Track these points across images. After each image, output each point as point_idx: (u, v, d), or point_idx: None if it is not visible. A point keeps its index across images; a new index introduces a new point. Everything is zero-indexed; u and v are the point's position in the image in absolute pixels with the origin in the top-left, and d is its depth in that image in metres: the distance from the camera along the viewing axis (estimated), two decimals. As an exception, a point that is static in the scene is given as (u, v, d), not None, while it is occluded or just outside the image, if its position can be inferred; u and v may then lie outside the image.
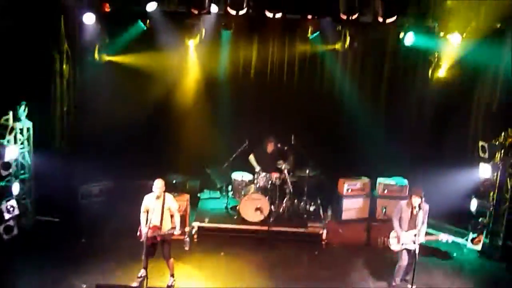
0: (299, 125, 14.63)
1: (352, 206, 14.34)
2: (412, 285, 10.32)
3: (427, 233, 10.80)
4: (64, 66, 14.36)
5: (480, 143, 12.94)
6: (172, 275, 10.81)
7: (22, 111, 12.83)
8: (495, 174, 12.71)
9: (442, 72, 14.40)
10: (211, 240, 12.83)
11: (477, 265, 12.58)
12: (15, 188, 12.64)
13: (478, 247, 12.97)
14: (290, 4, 12.34)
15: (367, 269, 11.90)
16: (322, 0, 12.06)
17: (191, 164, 15.15)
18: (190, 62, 15.12)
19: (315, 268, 12.00)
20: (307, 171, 14.02)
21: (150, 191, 10.53)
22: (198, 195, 15.01)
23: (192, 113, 15.11)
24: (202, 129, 14.96)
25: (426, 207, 10.56)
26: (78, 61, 14.40)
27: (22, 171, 13.10)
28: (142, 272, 10.46)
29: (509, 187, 12.60)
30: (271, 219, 13.15)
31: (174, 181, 14.33)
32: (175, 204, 10.68)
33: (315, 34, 14.28)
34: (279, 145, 13.84)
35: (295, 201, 14.10)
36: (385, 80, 15.15)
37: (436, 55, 14.40)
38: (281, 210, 13.76)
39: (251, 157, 14.11)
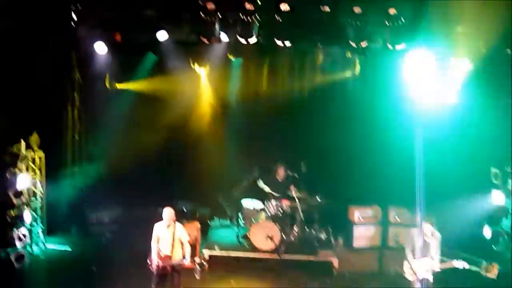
0: (309, 152, 14.60)
1: (363, 234, 14.25)
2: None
3: (441, 261, 10.69)
4: (76, 95, 14.52)
5: (493, 170, 12.84)
6: (183, 305, 10.73)
7: (34, 139, 12.92)
8: (508, 200, 12.60)
9: (451, 98, 14.34)
10: (222, 268, 12.75)
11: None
12: (27, 216, 12.68)
13: (493, 275, 12.78)
14: (299, 32, 12.42)
15: (379, 298, 11.80)
16: (331, 28, 12.12)
17: (201, 191, 15.13)
18: (200, 89, 15.23)
19: (327, 297, 11.91)
20: (318, 199, 13.97)
21: (161, 218, 10.51)
22: (209, 222, 14.97)
23: (202, 140, 15.17)
24: (212, 156, 14.97)
25: (438, 234, 10.47)
26: (89, 89, 14.54)
27: (33, 199, 13.14)
28: (152, 302, 10.40)
29: (522, 213, 12.49)
30: (282, 247, 13.07)
31: (184, 209, 14.30)
32: (185, 234, 10.62)
33: (325, 61, 14.33)
34: (289, 172, 13.82)
35: (306, 228, 14.01)
36: (396, 105, 15.08)
37: (445, 81, 14.36)
38: (292, 238, 13.68)
39: (260, 182, 14.08)
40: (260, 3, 11.87)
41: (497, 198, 12.70)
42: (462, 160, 14.34)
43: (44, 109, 13.55)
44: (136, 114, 14.83)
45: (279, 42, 12.57)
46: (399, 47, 12.51)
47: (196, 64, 14.35)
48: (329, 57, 14.24)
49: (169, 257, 10.31)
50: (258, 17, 11.79)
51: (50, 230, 13.67)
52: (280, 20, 11.92)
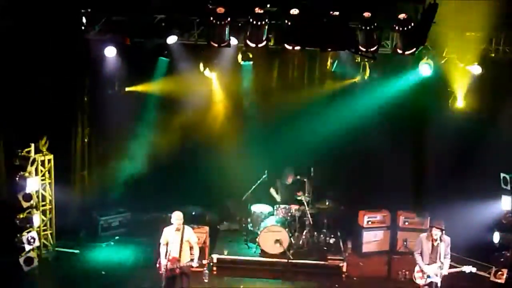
0: (318, 157, 14.58)
1: (372, 239, 14.18)
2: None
3: (450, 266, 10.66)
4: (85, 98, 14.56)
5: (502, 175, 12.79)
6: (192, 308, 10.74)
7: (44, 143, 12.97)
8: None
9: (462, 103, 14.30)
10: (231, 273, 12.77)
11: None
12: (36, 219, 12.70)
13: (502, 281, 12.73)
14: (309, 37, 12.39)
15: (388, 302, 11.77)
16: (340, 33, 12.09)
17: (210, 196, 15.15)
18: (210, 93, 15.21)
19: (336, 301, 11.89)
20: (327, 203, 13.96)
21: (170, 223, 10.53)
22: (218, 227, 14.97)
23: (211, 144, 15.15)
24: (221, 161, 14.98)
25: (447, 239, 10.45)
26: (99, 93, 14.57)
27: (43, 203, 13.18)
28: (161, 305, 10.41)
29: (532, 219, 12.41)
30: (291, 252, 13.05)
31: (193, 213, 14.30)
32: (194, 236, 10.66)
33: (334, 66, 14.33)
34: (298, 177, 13.82)
35: (315, 233, 13.99)
36: (406, 111, 15.06)
37: (456, 86, 14.32)
38: (300, 242, 13.66)
39: (272, 190, 14.11)
40: (269, 7, 11.87)
41: (506, 203, 12.62)
42: (471, 165, 14.30)
43: (53, 112, 13.61)
44: (145, 118, 14.85)
45: (288, 47, 12.56)
46: (408, 52, 12.47)
47: (206, 68, 14.33)
48: (339, 61, 14.21)
49: (178, 259, 10.33)
50: (267, 21, 11.77)
51: (59, 233, 13.68)
52: (290, 24, 11.90)
